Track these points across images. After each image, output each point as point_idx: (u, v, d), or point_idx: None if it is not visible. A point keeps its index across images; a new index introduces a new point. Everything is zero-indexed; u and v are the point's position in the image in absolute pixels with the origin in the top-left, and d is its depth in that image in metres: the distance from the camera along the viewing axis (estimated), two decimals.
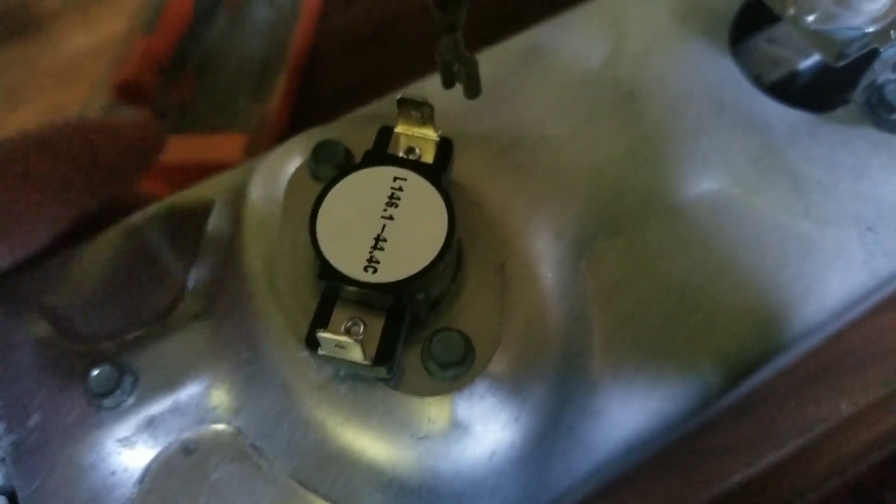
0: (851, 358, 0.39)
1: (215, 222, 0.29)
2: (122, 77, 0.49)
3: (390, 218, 0.24)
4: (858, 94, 0.31)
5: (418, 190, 0.25)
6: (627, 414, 0.27)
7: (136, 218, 0.31)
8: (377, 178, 0.25)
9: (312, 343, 0.23)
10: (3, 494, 0.26)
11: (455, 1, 0.24)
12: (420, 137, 0.26)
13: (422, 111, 0.26)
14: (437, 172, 0.25)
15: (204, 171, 0.46)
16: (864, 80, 0.31)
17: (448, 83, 0.27)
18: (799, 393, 0.38)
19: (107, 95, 0.50)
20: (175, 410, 0.26)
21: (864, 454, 0.37)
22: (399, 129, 0.26)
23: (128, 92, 0.49)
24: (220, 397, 0.27)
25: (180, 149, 0.48)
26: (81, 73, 0.59)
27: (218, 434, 0.26)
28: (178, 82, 0.51)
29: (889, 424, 0.38)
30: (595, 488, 0.29)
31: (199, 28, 0.54)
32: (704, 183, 0.30)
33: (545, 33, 0.33)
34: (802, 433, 0.37)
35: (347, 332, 0.24)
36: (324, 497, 0.25)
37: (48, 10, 0.64)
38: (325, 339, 0.22)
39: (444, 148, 0.26)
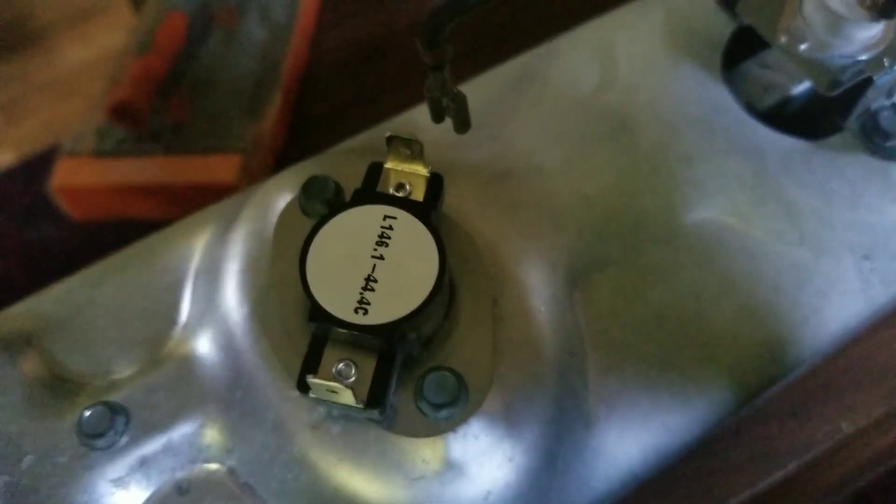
0: (851, 375, 0.38)
1: (205, 256, 0.29)
2: (115, 99, 0.49)
3: (381, 258, 0.24)
4: (852, 122, 0.31)
5: (409, 229, 0.25)
6: (624, 449, 0.27)
7: (126, 251, 0.30)
8: (367, 217, 0.25)
9: (303, 387, 0.23)
10: None
11: (442, 40, 0.24)
12: (410, 173, 0.26)
13: (411, 148, 0.26)
14: (427, 210, 0.25)
15: (199, 191, 0.46)
16: (859, 108, 0.30)
17: (437, 118, 0.27)
18: (799, 411, 0.37)
19: (100, 118, 0.50)
20: (168, 450, 0.26)
21: (865, 471, 0.37)
22: (389, 164, 0.26)
23: (121, 114, 0.49)
24: (212, 437, 0.26)
25: (176, 170, 0.48)
26: (79, 88, 0.59)
27: (211, 473, 0.26)
28: (172, 102, 0.51)
29: (890, 441, 0.37)
30: None
31: (193, 48, 0.53)
32: (698, 211, 0.30)
33: (535, 60, 0.33)
34: (804, 452, 0.37)
35: (339, 374, 0.23)
36: None
37: (46, 24, 0.64)
38: (316, 384, 0.22)
39: (435, 184, 0.26)
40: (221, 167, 0.47)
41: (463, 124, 0.27)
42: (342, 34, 0.55)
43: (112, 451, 0.26)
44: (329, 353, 0.24)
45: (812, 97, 0.33)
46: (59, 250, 0.50)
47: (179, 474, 0.26)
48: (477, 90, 0.32)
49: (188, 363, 0.27)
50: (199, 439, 0.26)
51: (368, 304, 0.23)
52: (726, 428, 0.36)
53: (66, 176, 0.48)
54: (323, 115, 0.52)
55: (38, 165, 0.51)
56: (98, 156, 0.49)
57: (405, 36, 0.54)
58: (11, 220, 0.50)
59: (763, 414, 0.37)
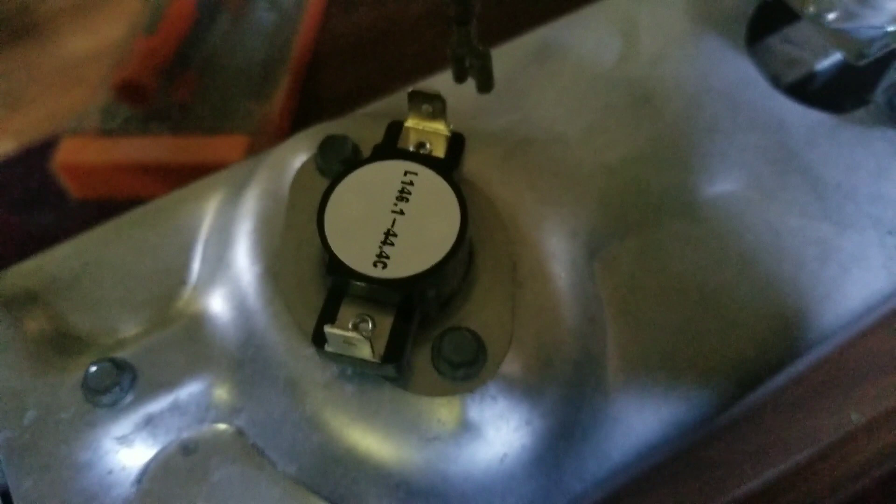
0: (862, 367, 0.38)
1: (218, 217, 0.29)
2: (121, 76, 0.48)
3: (401, 213, 0.24)
4: (879, 95, 0.31)
5: (430, 185, 0.24)
6: (642, 420, 0.26)
7: (137, 212, 0.30)
8: (387, 172, 0.24)
9: (319, 339, 0.22)
10: None
11: None
12: (431, 132, 0.26)
13: (433, 104, 0.25)
14: (449, 167, 0.25)
15: (205, 172, 0.46)
16: (885, 81, 0.30)
17: (460, 77, 0.27)
18: (808, 402, 0.37)
19: (106, 96, 0.50)
20: (175, 409, 0.26)
21: (874, 464, 0.37)
22: (409, 123, 0.26)
23: (127, 91, 0.48)
24: (221, 396, 0.26)
25: (181, 150, 0.47)
26: (83, 76, 0.58)
27: (219, 434, 0.25)
28: (179, 83, 0.51)
29: None
30: (602, 497, 0.28)
31: (202, 29, 0.53)
32: (721, 184, 0.30)
33: (558, 31, 0.33)
34: (812, 444, 0.36)
35: (356, 328, 0.23)
36: (328, 499, 0.24)
37: (49, 14, 0.64)
38: (333, 335, 0.22)
39: (456, 143, 0.26)
40: (228, 148, 0.47)
41: (486, 84, 0.26)
42: (352, 18, 0.55)
43: (117, 409, 0.25)
44: (346, 309, 0.23)
45: (837, 71, 0.33)
46: (61, 238, 0.49)
47: (186, 434, 0.25)
48: (499, 59, 0.31)
49: (198, 322, 0.27)
50: (207, 398, 0.26)
51: (388, 258, 0.23)
52: (734, 417, 0.35)
53: (70, 153, 0.48)
54: (331, 99, 0.52)
55: (38, 154, 0.51)
56: (103, 134, 0.48)
57: (415, 22, 0.54)
58: (11, 209, 0.50)
59: (771, 404, 0.36)
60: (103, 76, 0.51)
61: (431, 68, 0.27)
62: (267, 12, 0.55)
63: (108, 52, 0.56)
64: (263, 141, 0.47)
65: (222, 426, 0.25)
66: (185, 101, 0.50)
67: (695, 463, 0.35)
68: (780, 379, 0.33)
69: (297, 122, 0.50)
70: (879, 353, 0.38)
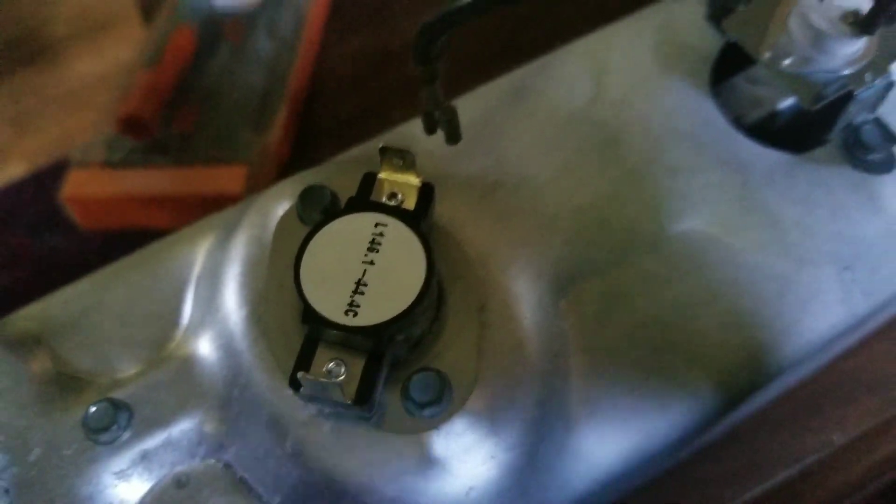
0: (844, 387, 0.38)
1: (208, 261, 0.30)
2: (125, 111, 0.50)
3: (371, 263, 0.25)
4: (836, 135, 0.32)
5: (399, 236, 0.26)
6: (604, 451, 0.28)
7: (134, 256, 0.32)
8: (359, 224, 0.26)
9: (295, 384, 0.24)
10: None
11: (433, 57, 0.25)
12: (402, 183, 0.27)
13: (404, 158, 0.27)
14: (417, 218, 0.26)
15: (205, 202, 0.47)
16: (841, 122, 0.31)
17: (430, 130, 0.28)
18: (791, 423, 0.38)
19: (110, 128, 0.51)
20: (168, 445, 0.27)
21: (858, 485, 0.37)
22: (382, 174, 0.28)
23: (130, 126, 0.50)
24: (210, 432, 0.27)
25: (182, 180, 0.49)
26: (91, 100, 0.59)
27: (209, 468, 0.27)
28: (180, 114, 0.52)
29: (883, 454, 0.38)
30: None
31: (202, 61, 0.54)
32: (684, 222, 0.31)
33: (528, 75, 0.34)
34: (795, 463, 0.37)
35: (329, 373, 0.25)
36: None
37: (57, 38, 0.65)
38: (307, 380, 0.23)
39: (426, 193, 0.27)
40: (227, 178, 0.48)
41: (453, 136, 0.28)
42: (348, 49, 0.56)
43: (115, 446, 0.27)
44: (321, 353, 0.25)
45: (797, 112, 0.34)
46: (70, 260, 0.50)
47: (178, 468, 0.27)
48: (472, 104, 0.33)
49: (189, 363, 0.28)
50: (198, 435, 0.27)
51: (358, 306, 0.25)
52: (719, 436, 0.36)
53: (77, 186, 0.49)
54: (328, 129, 0.53)
55: (48, 177, 0.52)
56: (107, 167, 0.50)
57: (409, 52, 0.55)
58: (23, 231, 0.51)
59: (756, 423, 0.37)
60: (107, 107, 0.52)
61: None
62: (266, 40, 0.56)
63: (114, 75, 0.57)
64: (263, 170, 0.49)
65: (212, 461, 0.27)
66: (185, 132, 0.51)
67: (680, 482, 0.36)
68: (762, 399, 0.34)
69: (296, 150, 0.52)
70: (861, 375, 0.38)
